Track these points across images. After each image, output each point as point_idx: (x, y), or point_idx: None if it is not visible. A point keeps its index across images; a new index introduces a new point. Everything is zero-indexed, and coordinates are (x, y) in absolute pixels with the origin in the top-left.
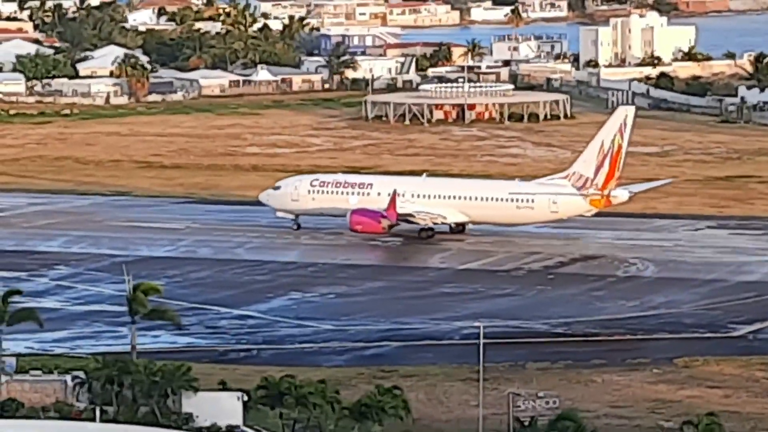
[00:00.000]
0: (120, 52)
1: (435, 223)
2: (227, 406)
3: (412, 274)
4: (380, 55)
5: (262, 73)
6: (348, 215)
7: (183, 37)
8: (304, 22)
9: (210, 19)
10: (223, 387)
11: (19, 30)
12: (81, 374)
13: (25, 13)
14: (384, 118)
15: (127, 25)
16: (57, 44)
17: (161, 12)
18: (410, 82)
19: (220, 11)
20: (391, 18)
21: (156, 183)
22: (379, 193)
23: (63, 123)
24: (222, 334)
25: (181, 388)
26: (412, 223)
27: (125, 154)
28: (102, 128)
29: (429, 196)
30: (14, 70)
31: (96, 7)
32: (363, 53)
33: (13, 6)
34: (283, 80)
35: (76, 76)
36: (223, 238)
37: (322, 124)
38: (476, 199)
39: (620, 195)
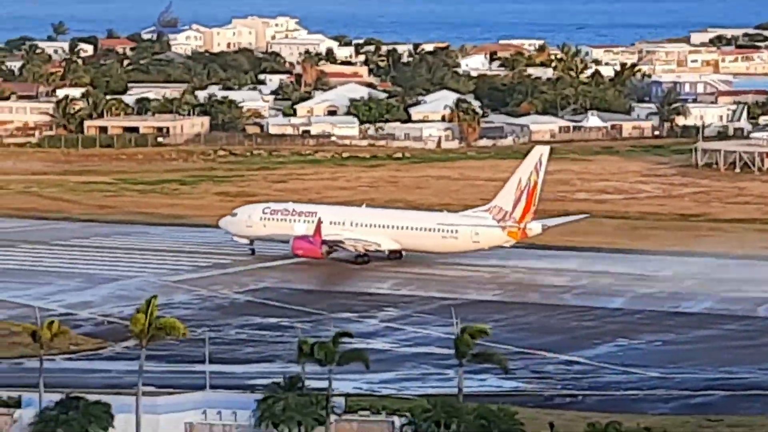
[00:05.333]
0: (452, 96)
1: (368, 250)
2: None
3: (739, 323)
4: (711, 102)
5: (593, 119)
6: (291, 241)
7: (514, 83)
8: (636, 68)
9: (541, 64)
10: (551, 430)
11: (354, 74)
12: (408, 415)
13: (360, 58)
14: (714, 166)
15: (460, 70)
16: (390, 88)
17: (493, 57)
18: (741, 129)
19: (552, 57)
20: (723, 65)
21: None
22: (321, 222)
23: (394, 166)
24: (548, 378)
25: (507, 431)
26: (343, 249)
27: (455, 198)
28: (432, 172)
29: (366, 225)
30: (348, 113)
31: (430, 53)
32: (694, 100)
33: (349, 50)
34: (613, 126)
35: (409, 120)
36: (550, 282)
37: (651, 170)
38: (407, 228)
39: (535, 228)
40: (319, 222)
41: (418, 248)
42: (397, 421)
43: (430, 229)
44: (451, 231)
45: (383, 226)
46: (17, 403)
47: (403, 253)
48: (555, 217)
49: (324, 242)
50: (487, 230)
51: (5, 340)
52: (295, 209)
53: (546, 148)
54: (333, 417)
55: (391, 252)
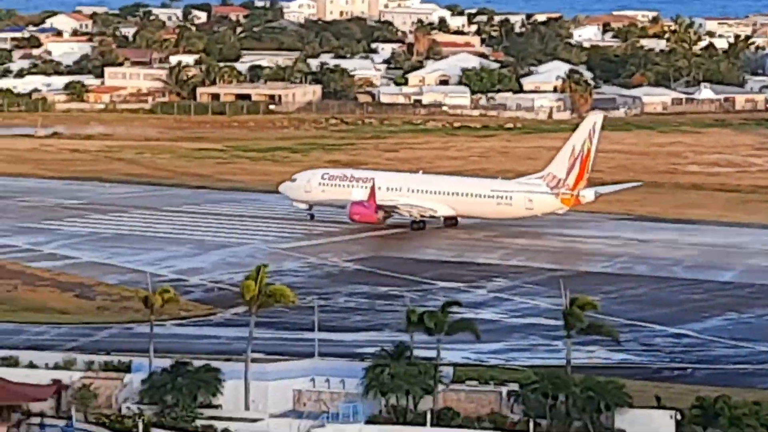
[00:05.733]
0: (564, 67)
1: (423, 216)
2: (660, 424)
3: None
4: None
5: (705, 92)
6: (348, 206)
7: (627, 54)
8: (750, 41)
9: (655, 36)
10: (658, 403)
11: (467, 44)
12: (516, 386)
13: (473, 28)
14: None
15: (572, 41)
16: (502, 58)
17: (606, 28)
18: None
19: (665, 29)
20: None
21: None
22: (379, 187)
23: (505, 136)
24: (656, 351)
25: (615, 404)
26: (398, 214)
27: None
28: (544, 143)
29: (422, 191)
30: (460, 83)
31: (543, 23)
32: None
33: (462, 20)
34: (726, 99)
35: (520, 90)
36: (660, 255)
37: (764, 144)
38: (462, 195)
39: (588, 195)
40: (373, 186)
41: (473, 214)
42: (505, 391)
43: (484, 196)
44: (505, 197)
45: (439, 193)
46: (127, 368)
47: (459, 219)
48: (609, 185)
49: (380, 207)
50: (540, 197)
51: (116, 304)
52: (353, 175)
53: (600, 116)
54: (441, 386)
55: (447, 218)
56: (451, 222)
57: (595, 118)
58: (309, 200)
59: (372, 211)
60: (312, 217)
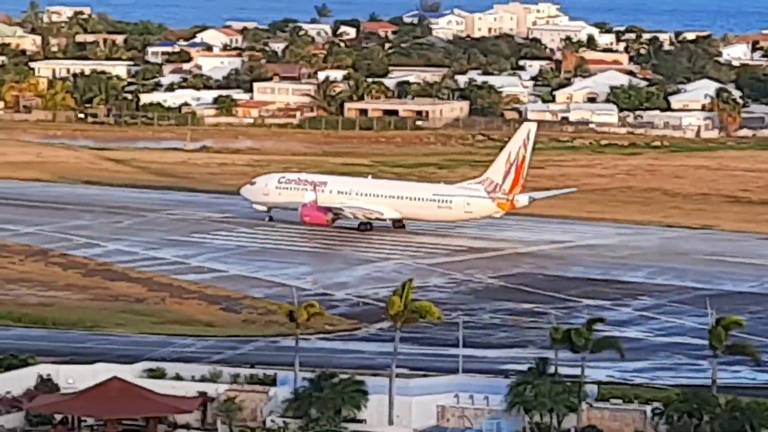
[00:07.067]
0: (713, 86)
1: (369, 218)
2: None
3: None
4: None
5: None
6: (299, 208)
7: None
8: None
9: None
10: None
11: (615, 61)
12: (659, 405)
13: (621, 45)
14: None
15: (721, 59)
16: (650, 76)
17: (755, 46)
18: None
19: None
20: None
21: (743, 218)
22: (331, 191)
23: (653, 155)
24: None
25: (760, 425)
26: (344, 216)
27: (713, 188)
28: (691, 161)
29: (370, 195)
30: (607, 101)
31: (691, 41)
32: None
33: (610, 37)
34: None
35: (668, 108)
36: None
37: None
38: (406, 198)
39: (522, 200)
40: (316, 189)
41: (416, 217)
42: (649, 410)
43: (427, 199)
44: (446, 201)
45: (385, 196)
46: (273, 381)
47: (405, 223)
48: (544, 190)
49: (328, 209)
50: (478, 201)
51: (262, 318)
52: (307, 179)
53: (533, 125)
54: (585, 404)
55: (395, 221)
56: (399, 225)
57: (529, 127)
58: (267, 203)
59: (318, 213)
60: (271, 219)
